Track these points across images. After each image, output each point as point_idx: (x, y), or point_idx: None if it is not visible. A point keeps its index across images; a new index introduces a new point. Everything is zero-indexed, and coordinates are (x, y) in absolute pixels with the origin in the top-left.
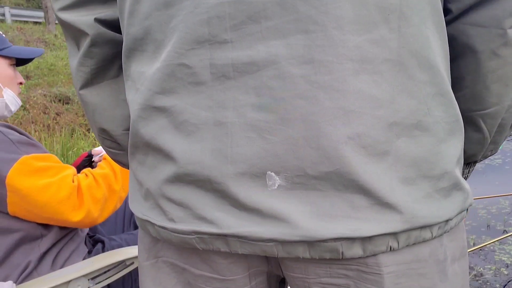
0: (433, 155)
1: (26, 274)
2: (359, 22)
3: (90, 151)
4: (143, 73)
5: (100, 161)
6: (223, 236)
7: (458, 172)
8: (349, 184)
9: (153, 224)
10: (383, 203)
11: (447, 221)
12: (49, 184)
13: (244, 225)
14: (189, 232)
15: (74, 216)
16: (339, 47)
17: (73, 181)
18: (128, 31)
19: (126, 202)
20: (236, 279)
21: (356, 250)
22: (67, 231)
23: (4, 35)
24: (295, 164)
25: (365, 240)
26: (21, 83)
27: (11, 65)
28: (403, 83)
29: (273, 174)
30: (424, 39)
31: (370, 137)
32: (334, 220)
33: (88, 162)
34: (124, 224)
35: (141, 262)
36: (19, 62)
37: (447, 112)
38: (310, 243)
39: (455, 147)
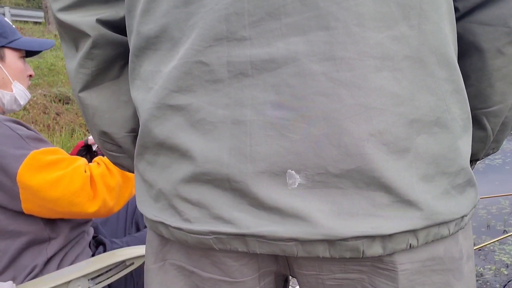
0: (451, 151)
1: (32, 277)
2: (380, 19)
3: (86, 139)
4: (156, 72)
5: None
6: (241, 236)
7: (470, 168)
8: (370, 182)
9: (166, 226)
10: (404, 200)
11: (462, 217)
12: (61, 176)
13: (264, 224)
14: (206, 232)
15: (90, 206)
16: (360, 44)
17: (85, 171)
18: (140, 30)
19: (127, 203)
20: (246, 281)
21: (376, 249)
22: (75, 234)
23: (13, 26)
24: (316, 162)
25: (385, 238)
26: (30, 76)
27: (21, 57)
28: (423, 80)
29: (293, 172)
30: (443, 36)
31: (391, 134)
32: (355, 219)
33: (85, 151)
34: (126, 225)
35: (148, 265)
36: (28, 53)
37: (462, 109)
38: (331, 242)
39: (468, 144)
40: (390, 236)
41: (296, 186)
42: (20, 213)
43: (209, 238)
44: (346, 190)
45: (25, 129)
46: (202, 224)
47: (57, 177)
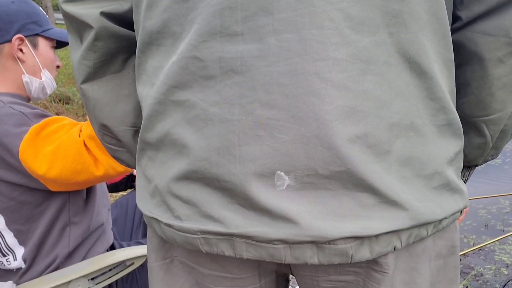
0: (424, 155)
1: (52, 270)
2: (366, 24)
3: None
4: (159, 68)
5: None
6: (230, 237)
7: (450, 173)
8: (357, 183)
9: (159, 222)
10: (390, 201)
11: (441, 220)
12: (56, 148)
13: (253, 225)
14: (195, 231)
15: (96, 170)
16: (351, 47)
17: (79, 136)
18: (145, 25)
19: (137, 206)
20: (245, 278)
21: (364, 253)
22: (95, 226)
23: (47, 16)
24: (306, 163)
25: (372, 240)
26: (58, 67)
27: (52, 47)
28: (398, 85)
29: (282, 173)
30: (419, 46)
31: (374, 137)
32: (344, 219)
33: (128, 179)
34: (133, 226)
35: (150, 263)
36: (57, 45)
37: (436, 116)
38: (319, 246)
39: (445, 149)
40: (376, 238)
41: (284, 187)
42: (47, 192)
43: (197, 238)
44: (335, 192)
45: (29, 108)
46: (192, 222)
47: (53, 149)
